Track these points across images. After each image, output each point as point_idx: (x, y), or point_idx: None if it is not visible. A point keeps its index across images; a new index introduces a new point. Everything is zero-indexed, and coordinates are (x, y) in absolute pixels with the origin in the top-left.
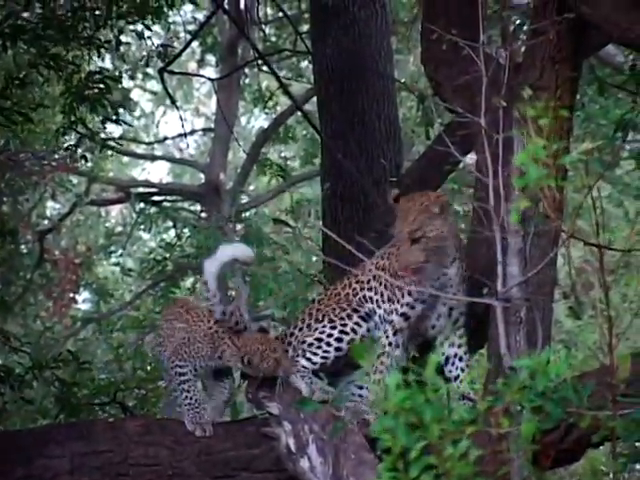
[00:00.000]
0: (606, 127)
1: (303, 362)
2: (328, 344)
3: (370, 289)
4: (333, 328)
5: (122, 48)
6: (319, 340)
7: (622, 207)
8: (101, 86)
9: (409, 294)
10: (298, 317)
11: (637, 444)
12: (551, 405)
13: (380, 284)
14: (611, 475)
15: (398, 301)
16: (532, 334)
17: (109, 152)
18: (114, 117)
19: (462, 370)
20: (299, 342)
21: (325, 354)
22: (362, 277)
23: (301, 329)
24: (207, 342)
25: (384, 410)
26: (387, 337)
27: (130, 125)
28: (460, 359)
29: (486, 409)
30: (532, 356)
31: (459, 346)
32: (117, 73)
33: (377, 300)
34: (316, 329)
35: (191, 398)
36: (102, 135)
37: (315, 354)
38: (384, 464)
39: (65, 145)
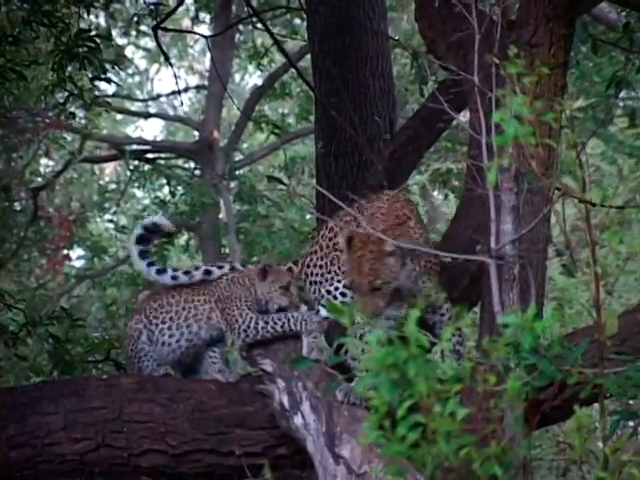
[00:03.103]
0: (600, 85)
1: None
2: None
3: None
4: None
5: (114, 6)
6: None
7: (615, 165)
8: (91, 44)
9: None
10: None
11: (630, 402)
12: (544, 363)
13: None
14: (598, 432)
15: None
16: (525, 291)
17: (101, 109)
18: (103, 75)
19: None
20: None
21: None
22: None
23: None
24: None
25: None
26: None
27: (119, 85)
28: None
29: (472, 366)
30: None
31: (442, 314)
32: (109, 31)
33: None
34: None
35: None
36: (95, 93)
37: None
38: (369, 422)
39: (54, 103)
